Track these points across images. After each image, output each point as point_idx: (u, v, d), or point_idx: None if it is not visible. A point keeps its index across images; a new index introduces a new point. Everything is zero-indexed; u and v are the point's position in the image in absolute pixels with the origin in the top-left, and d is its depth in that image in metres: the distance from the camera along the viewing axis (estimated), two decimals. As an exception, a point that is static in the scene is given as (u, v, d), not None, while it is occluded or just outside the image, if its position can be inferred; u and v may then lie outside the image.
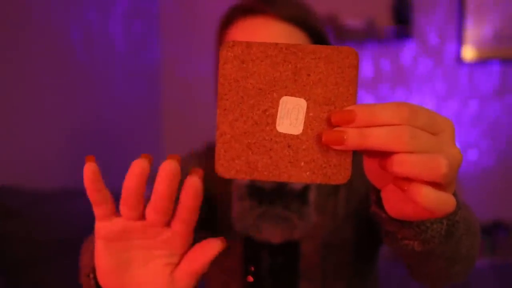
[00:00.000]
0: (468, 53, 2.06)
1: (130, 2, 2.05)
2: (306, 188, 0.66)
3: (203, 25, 2.32)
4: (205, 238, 0.83)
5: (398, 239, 0.39)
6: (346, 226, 0.68)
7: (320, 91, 0.32)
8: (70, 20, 1.62)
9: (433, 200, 0.29)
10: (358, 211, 0.68)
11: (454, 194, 0.37)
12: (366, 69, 2.20)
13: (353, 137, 0.30)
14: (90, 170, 0.31)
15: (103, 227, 0.34)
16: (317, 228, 0.67)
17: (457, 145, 2.13)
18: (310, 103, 0.32)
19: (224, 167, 0.32)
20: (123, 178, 1.89)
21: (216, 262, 0.72)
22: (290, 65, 0.31)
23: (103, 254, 0.35)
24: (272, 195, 0.65)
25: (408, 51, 2.15)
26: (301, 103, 0.32)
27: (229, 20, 0.66)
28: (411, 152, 0.29)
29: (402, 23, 2.07)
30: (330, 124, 0.31)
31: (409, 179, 0.29)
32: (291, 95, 0.32)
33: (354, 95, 0.32)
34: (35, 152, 1.42)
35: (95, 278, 0.39)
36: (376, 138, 0.29)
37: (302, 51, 0.31)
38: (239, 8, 0.65)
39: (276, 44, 0.31)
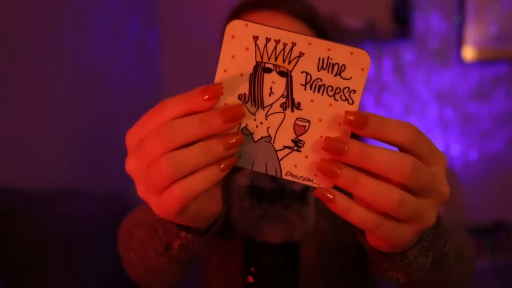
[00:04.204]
0: (469, 53, 2.05)
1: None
2: (306, 188, 0.66)
3: (205, 24, 2.32)
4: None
5: (383, 269, 0.40)
6: (347, 231, 0.68)
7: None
8: (71, 21, 1.62)
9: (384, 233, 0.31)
10: None
11: (439, 223, 0.37)
12: (366, 69, 2.20)
13: (354, 153, 0.30)
14: None
15: None
16: (318, 232, 0.67)
17: (457, 145, 2.13)
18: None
19: None
20: (123, 177, 1.88)
21: (217, 263, 0.72)
22: None
23: None
24: (272, 196, 0.65)
25: (408, 51, 2.15)
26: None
27: (238, 13, 0.66)
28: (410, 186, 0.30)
29: (402, 23, 2.07)
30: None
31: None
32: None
33: None
34: (35, 152, 1.42)
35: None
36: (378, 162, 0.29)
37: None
38: (249, 2, 0.65)
39: None
